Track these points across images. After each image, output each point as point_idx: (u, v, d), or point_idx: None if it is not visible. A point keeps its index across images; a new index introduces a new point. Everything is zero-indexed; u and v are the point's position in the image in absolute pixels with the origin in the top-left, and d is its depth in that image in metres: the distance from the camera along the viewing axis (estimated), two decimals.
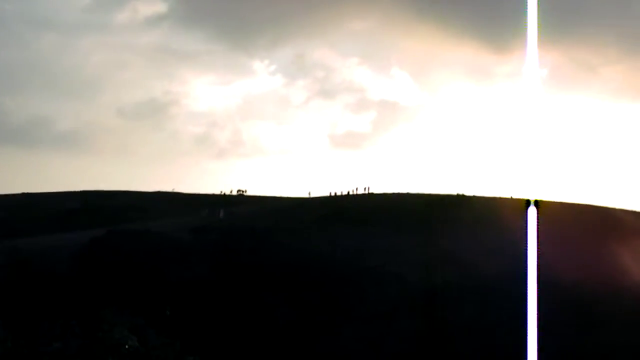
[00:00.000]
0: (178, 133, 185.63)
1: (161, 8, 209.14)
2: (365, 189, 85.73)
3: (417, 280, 48.92)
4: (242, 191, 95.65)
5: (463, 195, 76.23)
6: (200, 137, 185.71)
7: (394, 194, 79.75)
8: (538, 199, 4.74)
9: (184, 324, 38.75)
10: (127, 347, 17.40)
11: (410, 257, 53.68)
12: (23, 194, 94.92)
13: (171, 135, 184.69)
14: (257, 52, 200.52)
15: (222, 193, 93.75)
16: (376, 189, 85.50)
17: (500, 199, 72.49)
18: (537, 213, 4.69)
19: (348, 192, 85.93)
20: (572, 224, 61.62)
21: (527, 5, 4.64)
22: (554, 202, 65.68)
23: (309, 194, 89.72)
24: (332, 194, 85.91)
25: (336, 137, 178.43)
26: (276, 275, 48.52)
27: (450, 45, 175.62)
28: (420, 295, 46.66)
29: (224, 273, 48.48)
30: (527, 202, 4.68)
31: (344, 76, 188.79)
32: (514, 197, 70.39)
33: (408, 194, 77.95)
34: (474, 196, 75.86)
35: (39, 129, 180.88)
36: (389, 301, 45.88)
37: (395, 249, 55.44)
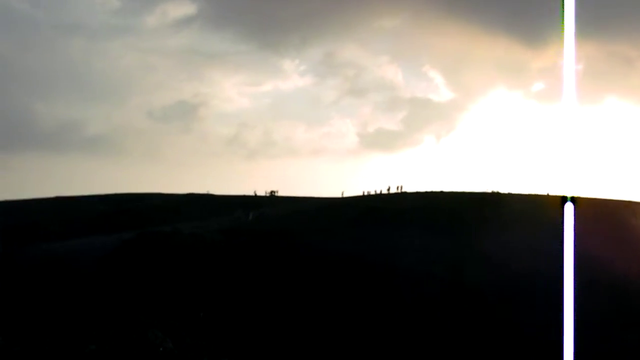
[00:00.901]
0: (208, 134, 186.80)
1: (190, 10, 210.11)
2: (398, 188, 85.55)
3: (451, 280, 48.65)
4: (274, 192, 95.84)
5: (498, 193, 75.66)
6: (230, 138, 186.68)
7: (427, 192, 78.99)
8: (575, 195, 4.70)
9: (218, 326, 38.90)
10: (161, 349, 17.54)
11: (445, 256, 53.04)
12: (55, 197, 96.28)
13: (201, 137, 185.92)
14: (287, 52, 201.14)
15: (255, 194, 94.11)
16: (409, 188, 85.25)
17: (537, 196, 71.81)
18: (574, 210, 4.66)
19: (381, 192, 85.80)
20: (609, 220, 60.78)
21: None
22: (591, 199, 64.89)
23: (342, 193, 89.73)
24: (365, 193, 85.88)
25: (367, 136, 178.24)
26: (309, 276, 48.66)
27: (482, 41, 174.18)
28: (455, 295, 46.43)
29: (256, 275, 48.53)
30: (564, 199, 4.65)
31: (375, 74, 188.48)
32: (550, 194, 69.71)
33: (442, 193, 77.35)
34: (509, 194, 75.24)
35: (70, 133, 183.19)
36: (422, 302, 45.70)
37: (430, 248, 54.90)
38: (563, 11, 4.64)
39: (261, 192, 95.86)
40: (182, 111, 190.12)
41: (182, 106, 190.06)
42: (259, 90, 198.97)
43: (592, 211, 56.99)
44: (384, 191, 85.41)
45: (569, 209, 4.72)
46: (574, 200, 4.65)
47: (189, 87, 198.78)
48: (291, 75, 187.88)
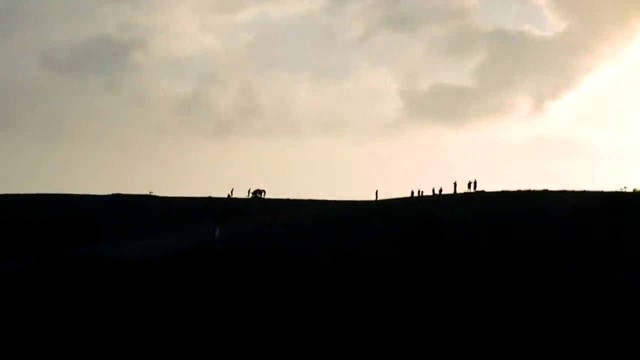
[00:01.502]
0: (149, 95, 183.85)
1: None
2: (469, 184, 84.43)
3: (572, 330, 48.40)
4: (260, 192, 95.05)
5: None
6: (185, 101, 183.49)
7: (520, 192, 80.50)
8: None
9: None
10: None
11: (558, 293, 54.07)
12: None
13: (137, 99, 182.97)
14: None
15: (229, 196, 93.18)
16: (488, 186, 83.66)
17: None
18: None
19: (440, 191, 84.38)
20: None
21: None
22: None
23: (377, 194, 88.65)
24: (415, 194, 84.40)
25: (417, 97, 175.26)
26: (322, 328, 48.15)
27: None
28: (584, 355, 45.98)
29: (226, 330, 48.02)
30: None
31: None
32: None
33: (546, 192, 79.16)
34: None
35: None
36: None
37: (529, 281, 56.14)
38: None
39: (240, 193, 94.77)
40: (103, 55, 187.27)
41: (103, 47, 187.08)
42: (233, 20, 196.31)
43: None
44: (446, 191, 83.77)
45: None
46: None
47: (114, 15, 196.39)
48: None
